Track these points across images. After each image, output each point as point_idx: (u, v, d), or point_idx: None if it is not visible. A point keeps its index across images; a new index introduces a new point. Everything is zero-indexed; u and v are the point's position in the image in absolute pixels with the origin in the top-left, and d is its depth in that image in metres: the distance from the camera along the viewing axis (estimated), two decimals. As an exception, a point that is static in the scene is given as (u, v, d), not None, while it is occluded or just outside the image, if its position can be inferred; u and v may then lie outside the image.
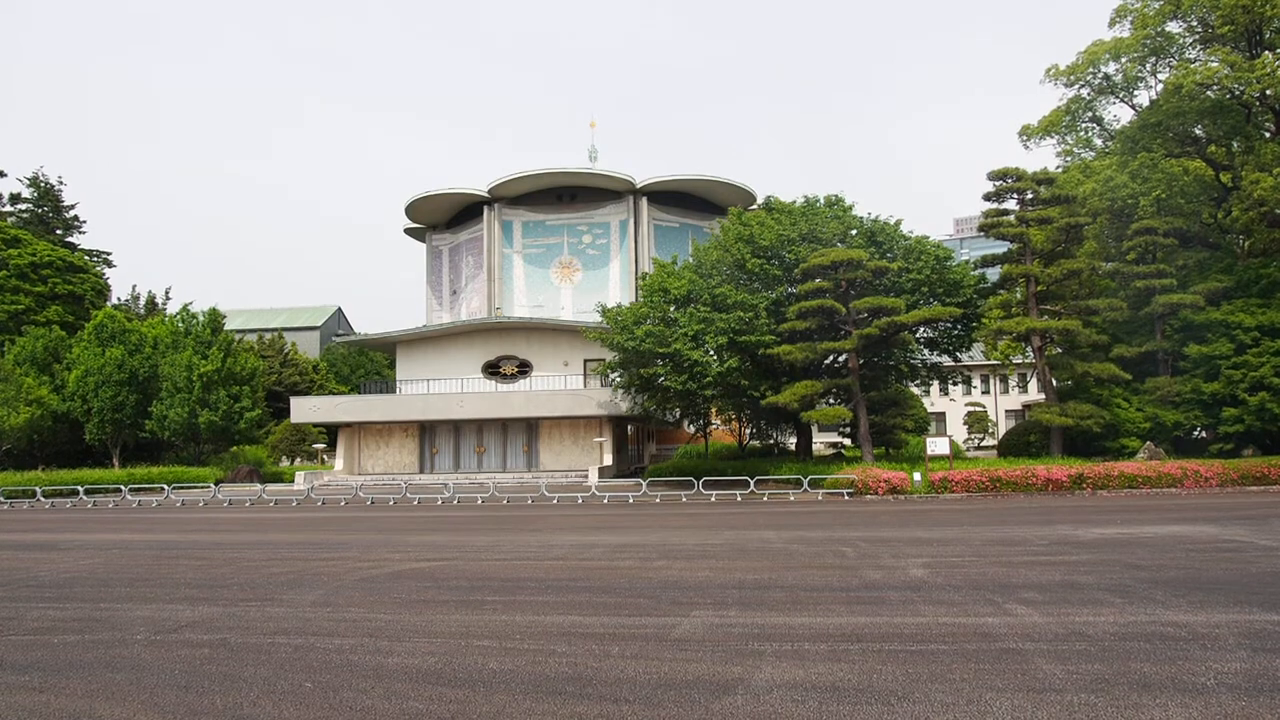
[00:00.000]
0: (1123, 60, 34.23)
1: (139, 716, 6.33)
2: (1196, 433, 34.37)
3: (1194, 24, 33.16)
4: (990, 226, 33.87)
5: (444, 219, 68.02)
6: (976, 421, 59.77)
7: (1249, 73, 29.53)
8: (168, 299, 64.33)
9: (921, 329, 34.82)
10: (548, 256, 63.08)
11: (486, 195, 62.44)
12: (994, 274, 35.28)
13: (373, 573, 13.05)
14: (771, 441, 43.02)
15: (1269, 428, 30.66)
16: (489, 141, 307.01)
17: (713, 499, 27.94)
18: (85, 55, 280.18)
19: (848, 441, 40.85)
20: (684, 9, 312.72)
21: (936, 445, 28.71)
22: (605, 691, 6.57)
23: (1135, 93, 36.12)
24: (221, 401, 42.95)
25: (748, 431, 43.37)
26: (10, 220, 58.00)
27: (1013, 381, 63.64)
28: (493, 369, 45.58)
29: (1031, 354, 34.45)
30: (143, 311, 61.51)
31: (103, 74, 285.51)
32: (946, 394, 63.86)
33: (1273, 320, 30.76)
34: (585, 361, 44.35)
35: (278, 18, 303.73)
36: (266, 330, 76.08)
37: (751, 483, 29.23)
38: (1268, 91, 30.50)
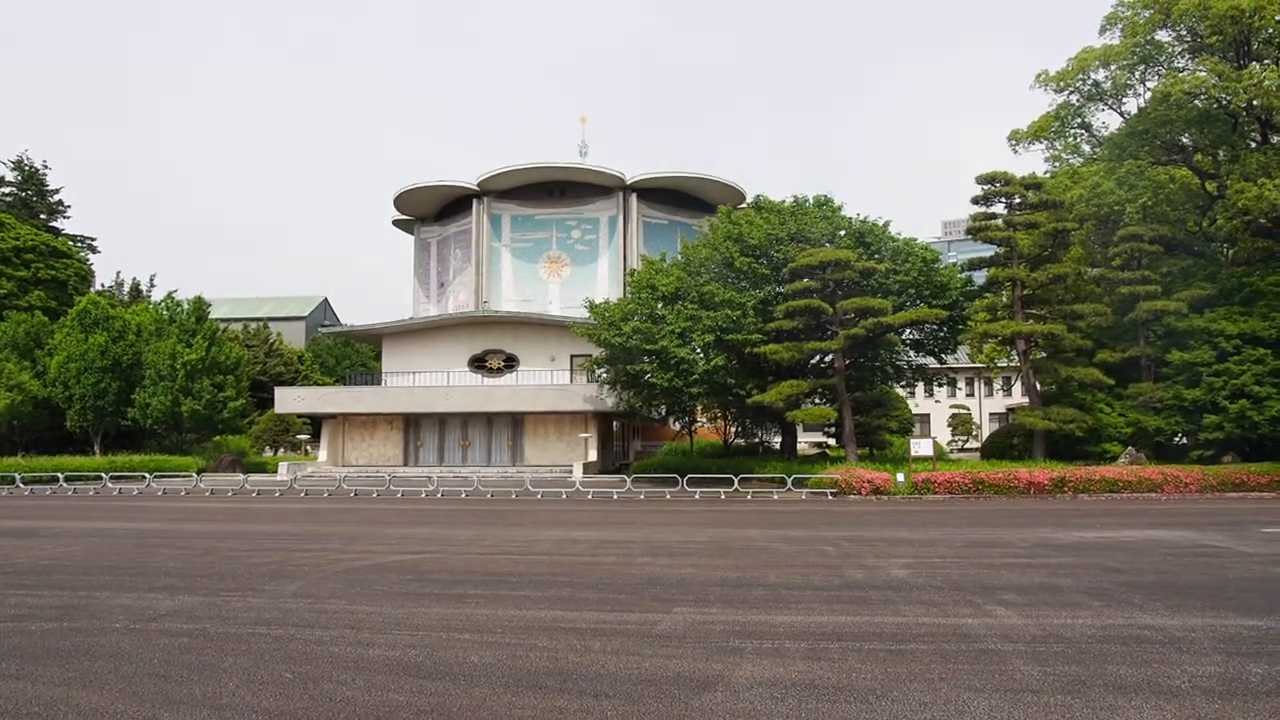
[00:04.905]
0: (1112, 68, 34.39)
1: (117, 705, 6.30)
2: (1177, 439, 34.64)
3: (1183, 33, 33.35)
4: (978, 230, 34.01)
5: (432, 211, 67.75)
6: (960, 424, 60.21)
7: (1236, 83, 29.75)
8: (152, 286, 63.62)
9: (908, 330, 34.96)
10: (536, 251, 62.93)
11: (475, 188, 62.22)
12: (980, 277, 35.42)
13: (355, 565, 13.01)
14: (756, 440, 43.14)
15: (1249, 435, 30.94)
16: (479, 135, 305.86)
17: (697, 496, 27.98)
18: (69, 42, 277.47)
19: (832, 441, 40.97)
20: (679, 8, 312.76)
21: (920, 446, 28.84)
22: (586, 686, 6.59)
23: (1124, 100, 36.31)
24: (205, 390, 42.67)
25: (733, 430, 43.46)
26: (-6, 204, 57.32)
27: (997, 384, 64.04)
28: (479, 363, 45.50)
29: (1016, 357, 34.65)
30: (127, 298, 60.80)
31: (88, 59, 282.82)
32: (931, 396, 64.23)
33: (1254, 328, 31.03)
34: (572, 357, 44.32)
35: (269, 9, 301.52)
36: (252, 320, 75.49)
37: (736, 481, 29.27)
38: (1254, 101, 30.73)
